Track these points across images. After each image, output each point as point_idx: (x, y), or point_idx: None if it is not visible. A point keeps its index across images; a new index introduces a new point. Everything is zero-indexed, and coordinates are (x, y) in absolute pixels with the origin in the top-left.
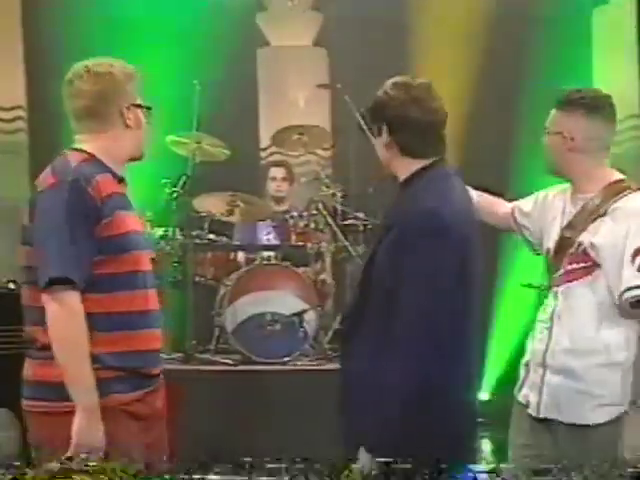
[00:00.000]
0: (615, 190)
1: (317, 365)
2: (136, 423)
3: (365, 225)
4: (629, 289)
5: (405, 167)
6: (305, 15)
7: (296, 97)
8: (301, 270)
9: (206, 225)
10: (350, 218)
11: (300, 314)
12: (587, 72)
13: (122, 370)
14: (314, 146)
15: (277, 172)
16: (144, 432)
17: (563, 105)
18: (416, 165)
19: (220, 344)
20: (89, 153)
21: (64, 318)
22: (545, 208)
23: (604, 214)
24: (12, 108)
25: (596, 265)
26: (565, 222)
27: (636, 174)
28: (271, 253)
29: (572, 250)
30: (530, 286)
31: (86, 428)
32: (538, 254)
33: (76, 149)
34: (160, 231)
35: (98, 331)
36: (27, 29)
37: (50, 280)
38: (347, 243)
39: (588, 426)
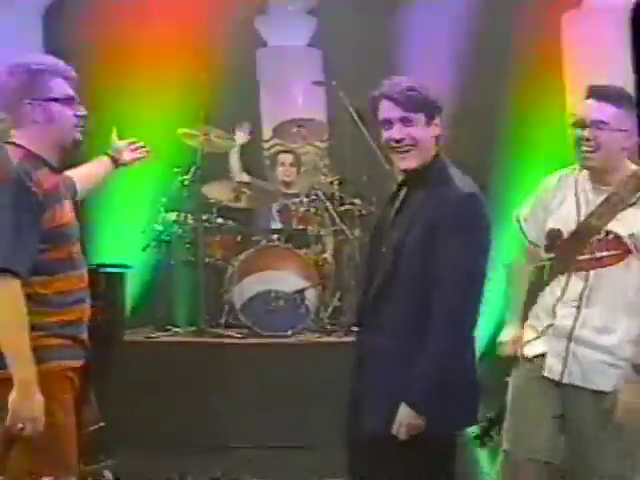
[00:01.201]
0: (637, 181)
1: (317, 338)
2: (74, 392)
3: (360, 210)
4: None
5: (432, 153)
6: (301, 18)
7: (294, 93)
8: (302, 252)
9: (215, 210)
10: (347, 204)
11: (302, 292)
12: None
13: (66, 338)
14: (312, 138)
15: (286, 158)
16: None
17: (608, 98)
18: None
19: (229, 319)
20: (24, 147)
21: (8, 300)
22: (551, 199)
23: (633, 204)
24: None
25: (629, 252)
26: (587, 210)
27: None
28: (275, 236)
29: (600, 237)
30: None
31: (23, 398)
32: (537, 246)
33: (14, 143)
34: (173, 216)
35: (47, 306)
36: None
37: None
38: (344, 227)
39: (610, 392)
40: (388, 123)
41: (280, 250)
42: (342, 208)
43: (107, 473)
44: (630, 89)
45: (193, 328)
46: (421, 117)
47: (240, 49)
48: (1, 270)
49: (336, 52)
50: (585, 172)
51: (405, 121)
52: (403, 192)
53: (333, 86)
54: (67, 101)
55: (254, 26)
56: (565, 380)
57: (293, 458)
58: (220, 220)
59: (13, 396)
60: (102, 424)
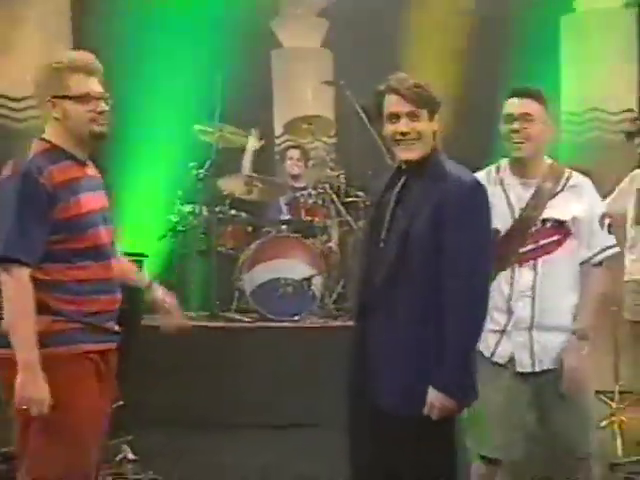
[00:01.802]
0: (556, 172)
1: (323, 322)
2: (97, 375)
3: (364, 202)
4: (605, 249)
5: (431, 147)
6: (312, 21)
7: (305, 92)
8: (309, 241)
9: (227, 202)
10: (352, 196)
11: (309, 279)
12: (556, 70)
13: (84, 324)
14: (320, 134)
15: (294, 153)
16: (102, 385)
17: (529, 95)
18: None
19: (240, 304)
20: (50, 142)
21: (15, 288)
22: None
23: (559, 192)
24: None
25: (566, 236)
26: (520, 205)
27: (593, 159)
28: (284, 227)
29: (537, 227)
30: None
31: (27, 382)
32: None
33: (42, 139)
34: (188, 207)
35: (66, 294)
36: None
37: (1, 258)
38: (349, 218)
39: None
40: (395, 117)
41: (288, 240)
42: (347, 200)
43: (125, 447)
44: None
45: (206, 313)
46: (425, 113)
47: (256, 50)
48: (3, 258)
49: (345, 53)
50: (507, 171)
51: (412, 116)
52: (401, 181)
53: (341, 85)
54: (82, 98)
55: (270, 28)
56: (537, 369)
57: (302, 435)
58: (232, 212)
59: (20, 377)
60: (121, 402)
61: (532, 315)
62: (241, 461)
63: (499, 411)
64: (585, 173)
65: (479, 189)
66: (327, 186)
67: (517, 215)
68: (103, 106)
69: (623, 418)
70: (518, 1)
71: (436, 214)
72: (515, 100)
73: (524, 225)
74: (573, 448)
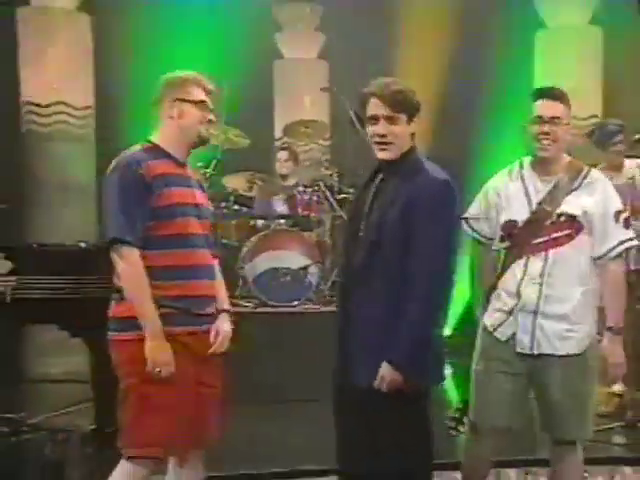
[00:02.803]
0: (575, 169)
1: (319, 308)
2: (189, 355)
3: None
4: (621, 242)
5: (408, 147)
6: (310, 35)
7: (303, 98)
8: (306, 234)
9: (232, 198)
10: (344, 193)
11: (305, 268)
12: (530, 79)
13: (174, 309)
14: (317, 137)
15: (282, 155)
16: (198, 364)
17: (557, 97)
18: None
19: (243, 291)
20: (153, 143)
21: (126, 267)
22: (500, 198)
23: (576, 189)
24: (84, 108)
25: (578, 231)
26: (537, 199)
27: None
28: (282, 221)
29: (552, 220)
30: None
31: (155, 348)
32: (490, 239)
33: (147, 140)
34: None
35: (155, 280)
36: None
37: (110, 240)
38: (342, 213)
39: (575, 355)
40: (375, 119)
41: (287, 233)
42: (340, 196)
43: None
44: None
45: None
46: (403, 117)
47: (260, 60)
48: (114, 239)
49: (339, 63)
50: (527, 167)
51: (390, 119)
52: (378, 179)
53: (336, 92)
54: (198, 104)
55: (273, 41)
56: (535, 351)
57: (304, 410)
58: (236, 207)
59: (148, 345)
60: None
61: (538, 301)
62: (249, 431)
63: (501, 383)
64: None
65: (449, 187)
66: (322, 184)
67: (534, 208)
68: (212, 117)
69: None
70: (499, 19)
71: (408, 206)
72: (545, 102)
73: (540, 218)
74: (565, 431)
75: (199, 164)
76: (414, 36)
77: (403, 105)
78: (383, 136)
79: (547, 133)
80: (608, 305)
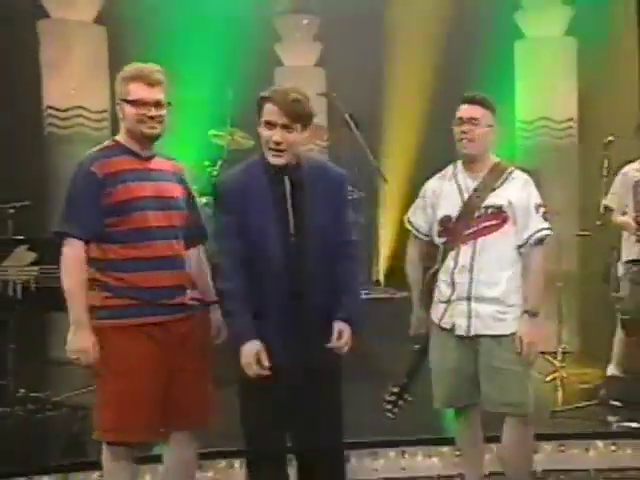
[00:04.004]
0: (500, 168)
1: None
2: (155, 345)
3: (351, 195)
4: (539, 230)
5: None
6: (309, 44)
7: None
8: None
9: None
10: None
11: None
12: (511, 85)
13: (136, 300)
14: (315, 138)
15: None
16: (172, 352)
17: (476, 102)
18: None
19: None
20: (116, 140)
21: (63, 257)
22: (436, 197)
23: (501, 185)
24: (100, 112)
25: (503, 222)
26: (468, 194)
27: (541, 159)
28: None
29: (479, 213)
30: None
31: (74, 336)
32: (426, 235)
33: (112, 138)
34: (204, 199)
35: (115, 271)
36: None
37: (54, 232)
38: None
39: (508, 334)
40: (271, 125)
41: None
42: None
43: None
44: None
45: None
46: (298, 126)
47: (262, 68)
48: (56, 233)
49: (335, 71)
50: (460, 167)
51: (286, 127)
52: (286, 182)
53: (333, 97)
54: (135, 102)
55: (274, 49)
56: (471, 333)
57: None
58: None
59: (69, 333)
60: None
61: (470, 287)
62: None
63: (450, 368)
64: (529, 173)
65: (347, 178)
66: None
67: (465, 202)
68: (154, 111)
69: (564, 374)
70: (482, 29)
71: (329, 199)
72: (466, 106)
73: (469, 210)
74: (506, 406)
75: (206, 163)
76: (405, 45)
77: (300, 115)
78: (279, 143)
79: (465, 132)
80: (527, 289)
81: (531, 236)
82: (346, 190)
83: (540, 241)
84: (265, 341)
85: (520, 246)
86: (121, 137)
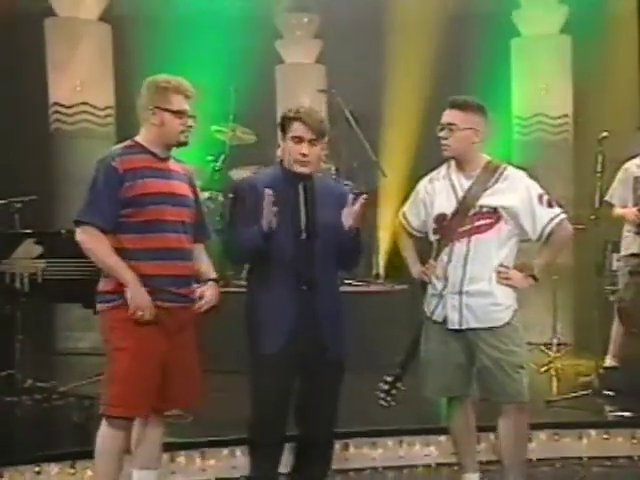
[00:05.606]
0: (492, 166)
1: None
2: (161, 329)
3: (351, 190)
4: (551, 219)
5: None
6: (309, 42)
7: (303, 99)
8: None
9: None
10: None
11: None
12: (508, 83)
13: (149, 286)
14: None
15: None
16: (170, 338)
17: (455, 106)
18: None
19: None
20: (136, 141)
21: (85, 239)
22: (430, 195)
23: (495, 183)
24: (105, 108)
25: (498, 220)
26: (462, 193)
27: (537, 155)
28: None
29: (474, 211)
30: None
31: (134, 294)
32: (418, 231)
33: (132, 139)
34: (207, 194)
35: (132, 260)
36: (116, 57)
37: (74, 221)
38: None
39: (499, 326)
40: (299, 139)
41: None
42: None
43: None
44: None
45: (222, 281)
46: (321, 141)
47: (263, 65)
48: (75, 221)
49: (335, 68)
50: (453, 167)
51: (313, 142)
52: (301, 187)
53: (333, 93)
54: (178, 114)
55: (275, 47)
56: (464, 326)
57: None
58: None
59: (128, 293)
60: None
61: (462, 281)
62: None
63: (442, 360)
64: (524, 170)
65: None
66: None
67: (460, 201)
68: (191, 122)
69: (559, 365)
70: (479, 28)
71: (335, 206)
72: (446, 111)
73: (464, 209)
74: (500, 395)
75: (209, 158)
76: (402, 44)
77: (323, 132)
78: (305, 155)
79: (443, 138)
80: (542, 257)
81: (544, 228)
82: (347, 197)
83: (558, 225)
84: (279, 328)
85: (537, 239)
86: (142, 139)
